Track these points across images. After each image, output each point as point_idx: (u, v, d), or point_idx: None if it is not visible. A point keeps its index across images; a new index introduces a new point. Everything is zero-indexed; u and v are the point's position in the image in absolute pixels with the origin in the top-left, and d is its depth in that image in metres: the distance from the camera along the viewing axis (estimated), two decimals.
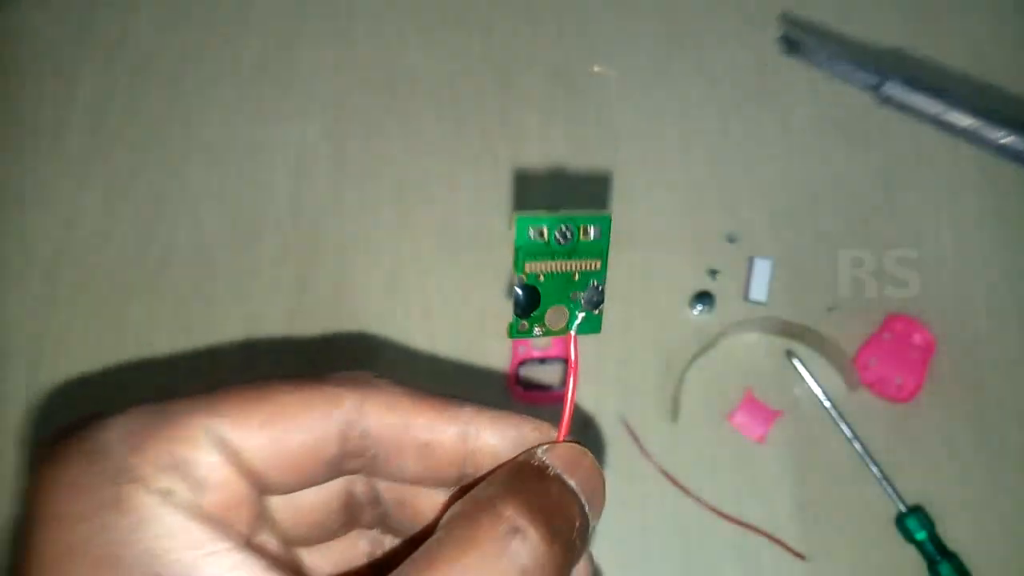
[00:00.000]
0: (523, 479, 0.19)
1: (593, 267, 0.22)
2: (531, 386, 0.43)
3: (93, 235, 0.47)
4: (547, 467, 0.20)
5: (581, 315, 0.22)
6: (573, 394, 0.22)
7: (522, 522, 0.17)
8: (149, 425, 0.17)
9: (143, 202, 0.47)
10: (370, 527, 0.23)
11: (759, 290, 0.45)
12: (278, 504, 0.20)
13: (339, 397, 0.19)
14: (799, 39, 0.49)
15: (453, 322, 0.45)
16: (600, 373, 0.44)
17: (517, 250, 0.20)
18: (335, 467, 0.20)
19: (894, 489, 0.42)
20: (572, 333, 0.22)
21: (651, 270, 0.46)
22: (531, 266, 0.21)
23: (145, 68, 0.50)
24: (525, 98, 0.49)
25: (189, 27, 0.51)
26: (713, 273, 0.46)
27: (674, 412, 0.43)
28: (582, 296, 0.22)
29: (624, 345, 0.44)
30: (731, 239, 0.46)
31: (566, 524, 0.18)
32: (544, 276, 0.21)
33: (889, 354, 0.44)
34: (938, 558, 0.40)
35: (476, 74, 0.50)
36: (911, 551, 0.41)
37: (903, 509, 0.41)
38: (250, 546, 0.17)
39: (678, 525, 0.42)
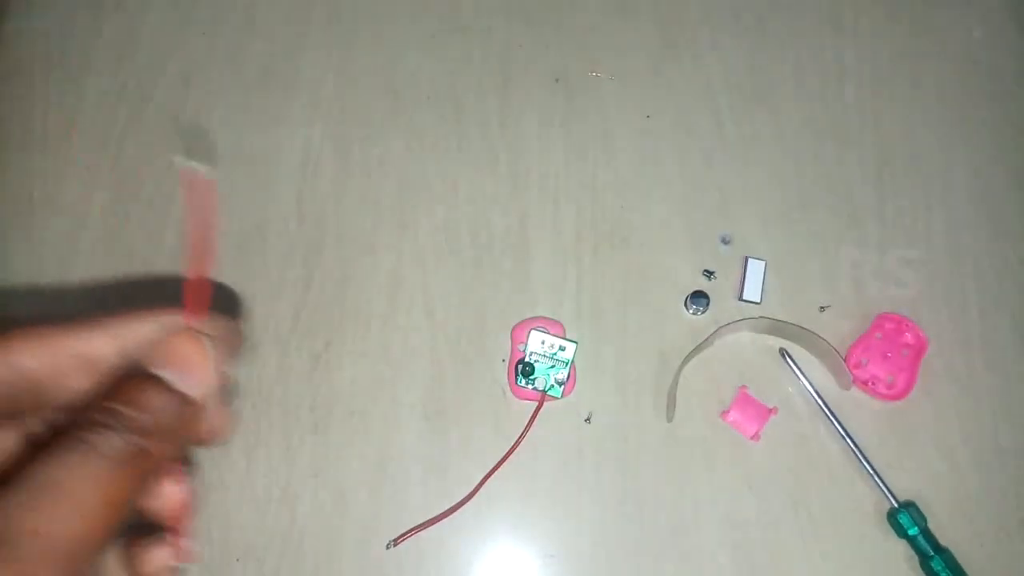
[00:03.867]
0: (117, 386, 0.21)
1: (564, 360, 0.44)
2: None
3: (101, 236, 0.48)
4: (142, 371, 0.21)
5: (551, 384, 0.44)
6: None
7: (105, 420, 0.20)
8: None
9: (151, 204, 0.48)
10: None
11: (753, 290, 0.45)
12: None
13: None
14: None
15: (454, 320, 0.46)
16: (597, 372, 0.45)
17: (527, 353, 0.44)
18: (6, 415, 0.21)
19: (886, 485, 0.42)
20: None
21: (647, 271, 0.47)
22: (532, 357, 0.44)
23: (153, 73, 0.51)
24: (524, 101, 0.50)
25: (195, 33, 0.52)
26: (708, 274, 0.46)
27: (670, 410, 0.44)
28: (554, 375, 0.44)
29: (621, 344, 0.45)
30: (725, 240, 0.47)
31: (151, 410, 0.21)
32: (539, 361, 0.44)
33: (881, 353, 0.44)
34: (931, 553, 0.41)
35: (476, 78, 0.51)
36: (903, 546, 0.42)
37: (895, 505, 0.42)
38: None
39: (676, 524, 0.43)
